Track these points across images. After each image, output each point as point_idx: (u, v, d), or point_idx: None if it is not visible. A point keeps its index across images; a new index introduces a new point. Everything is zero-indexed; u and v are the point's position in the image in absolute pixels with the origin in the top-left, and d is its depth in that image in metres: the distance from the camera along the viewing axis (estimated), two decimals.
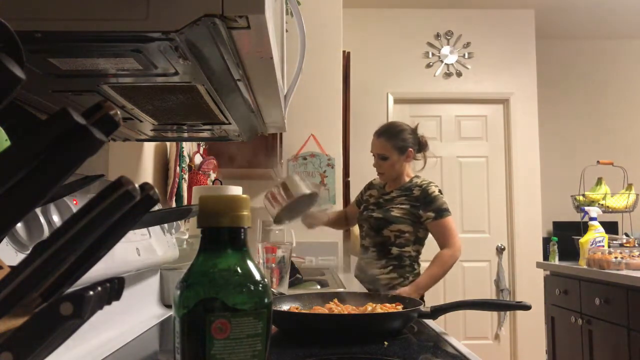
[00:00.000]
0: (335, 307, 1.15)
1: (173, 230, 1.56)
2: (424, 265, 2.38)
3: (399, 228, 2.30)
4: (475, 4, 4.67)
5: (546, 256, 4.35)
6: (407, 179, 2.43)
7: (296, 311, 1.13)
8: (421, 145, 2.47)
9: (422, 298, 2.33)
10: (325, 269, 2.73)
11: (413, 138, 2.44)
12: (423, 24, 4.74)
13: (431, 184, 2.39)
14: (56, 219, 0.87)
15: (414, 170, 2.49)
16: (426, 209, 2.31)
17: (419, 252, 2.39)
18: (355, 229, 3.54)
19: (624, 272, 2.74)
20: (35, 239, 0.80)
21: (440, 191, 2.38)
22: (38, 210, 0.82)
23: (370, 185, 2.63)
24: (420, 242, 2.37)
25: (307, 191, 1.87)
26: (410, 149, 2.41)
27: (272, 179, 3.60)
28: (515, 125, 4.69)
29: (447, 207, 2.33)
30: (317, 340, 0.97)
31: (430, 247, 2.43)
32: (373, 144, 2.46)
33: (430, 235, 2.39)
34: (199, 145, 2.61)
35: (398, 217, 2.31)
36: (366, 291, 1.92)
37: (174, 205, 2.08)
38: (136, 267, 1.21)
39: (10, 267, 0.36)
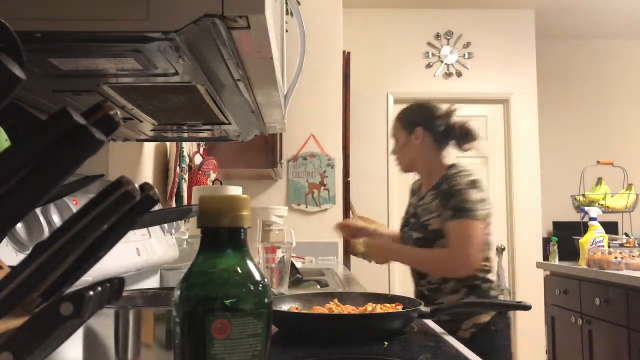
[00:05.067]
0: (335, 307, 1.15)
1: (173, 230, 1.56)
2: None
3: (444, 242, 1.81)
4: (475, 4, 4.67)
5: (546, 256, 4.35)
6: (441, 173, 1.90)
7: (296, 311, 1.13)
8: (453, 133, 1.97)
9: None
10: (325, 269, 2.73)
11: (433, 119, 1.97)
12: (423, 24, 4.74)
13: (461, 174, 1.84)
14: (56, 219, 0.87)
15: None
16: (446, 206, 1.80)
17: (485, 260, 1.89)
18: None
19: (624, 272, 2.74)
20: (35, 239, 0.80)
21: (474, 184, 1.82)
22: (38, 210, 0.82)
23: (411, 191, 2.12)
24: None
25: None
26: (419, 128, 1.94)
27: (272, 179, 3.60)
28: (515, 125, 4.69)
29: (472, 207, 1.78)
30: (317, 340, 0.97)
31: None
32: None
33: (489, 233, 1.92)
34: (199, 145, 2.61)
35: (438, 230, 1.81)
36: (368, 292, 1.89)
37: (174, 205, 2.08)
38: (136, 267, 1.21)
39: (10, 267, 0.36)
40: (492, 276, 1.91)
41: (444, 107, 2.07)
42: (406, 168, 2.03)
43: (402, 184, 3.54)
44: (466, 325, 1.81)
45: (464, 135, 1.99)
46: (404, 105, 2.09)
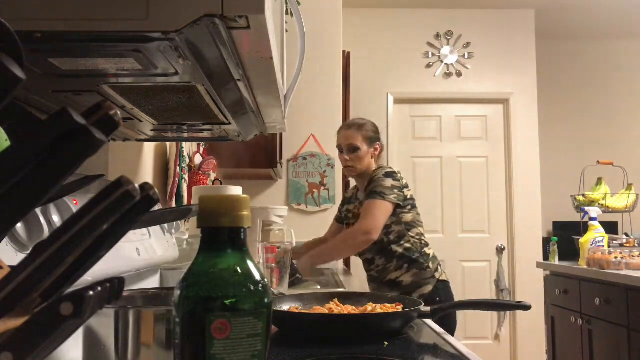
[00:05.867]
0: (335, 307, 1.15)
1: (173, 230, 1.56)
2: (432, 242, 2.34)
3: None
4: (475, 4, 4.67)
5: (546, 256, 4.35)
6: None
7: (296, 311, 1.13)
8: (381, 148, 2.42)
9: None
10: (325, 269, 2.73)
11: (378, 135, 2.39)
12: (423, 24, 4.74)
13: (382, 169, 2.29)
14: (56, 219, 0.87)
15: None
16: (366, 191, 2.26)
17: (420, 235, 2.27)
18: None
19: (624, 272, 2.74)
20: (35, 239, 0.80)
21: (390, 175, 2.25)
22: (38, 210, 0.83)
23: (345, 200, 2.59)
24: (412, 225, 2.25)
25: None
26: (379, 143, 2.37)
27: (272, 179, 3.60)
28: (515, 125, 4.69)
29: (383, 192, 2.19)
30: (317, 340, 0.97)
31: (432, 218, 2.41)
32: (341, 136, 2.39)
33: (419, 213, 2.32)
34: (199, 145, 2.61)
35: None
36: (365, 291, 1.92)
37: (174, 205, 2.08)
38: (136, 267, 1.21)
39: (10, 267, 0.36)
40: (428, 250, 2.27)
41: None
42: (357, 175, 2.38)
43: None
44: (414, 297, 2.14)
45: (382, 151, 2.45)
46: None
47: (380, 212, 2.17)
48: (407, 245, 2.23)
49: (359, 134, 2.34)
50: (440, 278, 2.23)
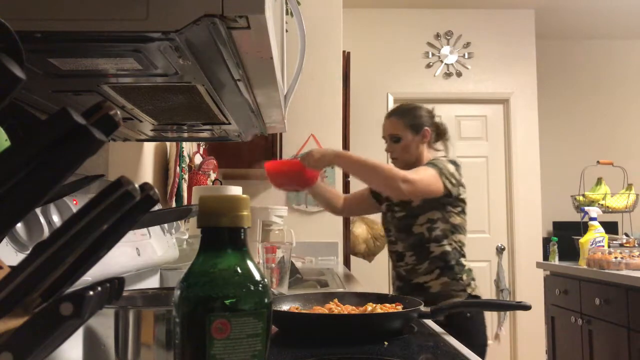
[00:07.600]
0: (335, 307, 1.15)
1: (173, 230, 1.56)
2: (470, 256, 2.10)
3: (428, 217, 1.96)
4: (475, 4, 4.67)
5: (546, 256, 4.35)
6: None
7: (296, 311, 1.13)
8: (440, 131, 2.16)
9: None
10: (325, 269, 2.73)
11: (429, 118, 2.12)
12: (423, 24, 4.74)
13: (441, 158, 2.04)
14: (56, 219, 0.87)
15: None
16: None
17: (461, 244, 2.02)
18: (355, 229, 3.55)
19: (624, 272, 2.74)
20: (35, 239, 0.80)
21: (454, 163, 2.04)
22: (38, 210, 0.83)
23: None
24: (458, 230, 2.01)
25: None
26: (427, 128, 2.08)
27: None
28: (515, 125, 4.69)
29: (442, 169, 1.96)
30: (317, 340, 0.97)
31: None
32: (383, 126, 2.13)
33: (466, 221, 2.06)
34: (199, 145, 2.61)
35: (420, 206, 1.96)
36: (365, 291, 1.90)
37: (174, 205, 2.08)
38: (136, 267, 1.21)
39: (10, 267, 0.36)
40: (465, 261, 2.03)
41: (426, 106, 2.21)
42: (405, 167, 2.02)
43: None
44: None
45: (445, 133, 2.19)
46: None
47: (429, 180, 1.91)
48: (448, 248, 1.98)
49: (399, 122, 2.08)
50: (473, 293, 1.99)
